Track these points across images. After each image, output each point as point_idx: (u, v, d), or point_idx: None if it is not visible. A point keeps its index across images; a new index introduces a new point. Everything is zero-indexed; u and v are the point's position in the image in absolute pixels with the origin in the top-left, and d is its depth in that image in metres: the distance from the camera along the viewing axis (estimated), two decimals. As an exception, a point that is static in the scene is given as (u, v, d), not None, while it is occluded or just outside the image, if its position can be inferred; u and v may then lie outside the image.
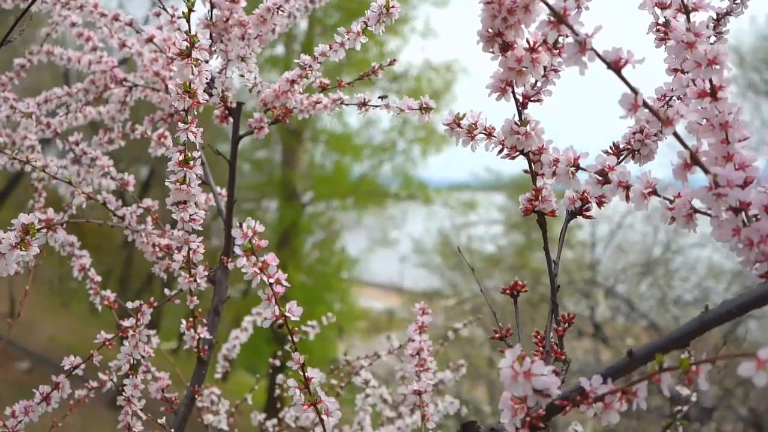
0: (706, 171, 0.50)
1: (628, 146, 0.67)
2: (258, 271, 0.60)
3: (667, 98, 0.67)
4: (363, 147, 12.02)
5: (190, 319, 0.94)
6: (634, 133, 0.67)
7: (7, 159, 0.94)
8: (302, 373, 0.63)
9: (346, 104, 0.95)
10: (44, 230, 0.65)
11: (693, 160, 0.50)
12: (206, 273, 0.89)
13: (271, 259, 0.61)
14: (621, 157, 0.67)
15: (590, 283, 6.06)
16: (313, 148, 12.08)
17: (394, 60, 0.98)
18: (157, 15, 1.13)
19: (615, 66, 0.49)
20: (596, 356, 6.93)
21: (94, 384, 1.10)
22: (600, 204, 0.66)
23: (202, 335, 0.95)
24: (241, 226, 0.60)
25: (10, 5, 1.13)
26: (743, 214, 0.50)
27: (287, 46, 9.99)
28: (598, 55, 0.49)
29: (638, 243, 7.59)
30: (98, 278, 1.08)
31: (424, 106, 0.83)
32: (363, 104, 0.93)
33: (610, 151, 0.67)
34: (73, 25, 1.17)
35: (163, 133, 1.16)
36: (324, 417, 0.63)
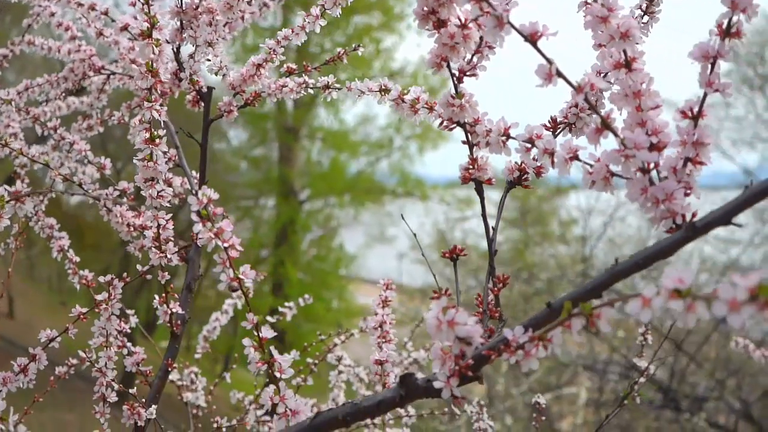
0: (616, 135, 0.54)
1: (565, 120, 0.71)
2: (213, 236, 0.65)
3: (602, 74, 0.71)
4: (360, 144, 12.05)
5: (163, 294, 0.98)
6: (570, 107, 0.71)
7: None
8: (257, 333, 0.68)
9: (311, 88, 0.99)
10: (12, 202, 0.69)
11: (604, 125, 0.55)
12: (176, 249, 0.93)
13: (226, 225, 0.65)
14: (558, 130, 0.71)
15: (582, 275, 6.11)
16: (310, 145, 12.12)
17: (359, 45, 1.02)
18: (133, 5, 1.16)
19: (531, 38, 0.53)
20: (591, 349, 6.99)
21: (74, 361, 1.14)
22: (538, 174, 0.70)
23: (174, 310, 0.99)
24: (196, 194, 0.64)
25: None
26: (651, 174, 0.55)
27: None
28: (515, 29, 0.53)
29: (633, 236, 7.64)
30: (77, 259, 1.12)
31: (383, 88, 0.87)
32: (326, 87, 0.97)
33: (547, 124, 0.71)
34: (53, 15, 1.21)
35: (140, 119, 1.19)
36: (277, 374, 0.67)
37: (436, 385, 0.57)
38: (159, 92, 0.77)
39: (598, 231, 7.44)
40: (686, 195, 0.54)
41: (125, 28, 1.09)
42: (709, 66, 0.54)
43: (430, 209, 11.28)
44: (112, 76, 1.21)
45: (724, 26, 0.54)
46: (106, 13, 1.12)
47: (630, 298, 0.44)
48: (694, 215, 0.53)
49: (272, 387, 0.67)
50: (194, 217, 0.65)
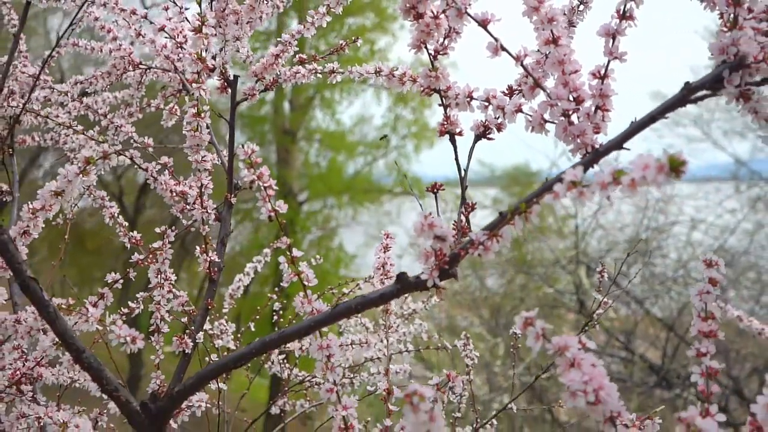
0: (544, 90, 0.76)
1: (519, 87, 0.93)
2: (256, 178, 0.86)
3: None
4: (356, 144, 12.28)
5: (203, 245, 1.20)
6: (522, 78, 0.93)
7: (53, 124, 1.20)
8: (290, 253, 0.89)
9: (320, 73, 1.21)
10: (101, 159, 0.91)
11: (536, 84, 0.76)
12: (215, 206, 1.15)
13: (265, 170, 0.87)
14: (513, 95, 0.93)
15: (576, 262, 6.33)
16: (307, 146, 12.34)
17: (357, 38, 1.24)
18: (166, 9, 1.38)
19: (483, 23, 0.75)
20: (587, 333, 7.22)
21: (125, 310, 1.35)
22: (499, 129, 0.91)
23: (212, 259, 1.21)
24: (243, 146, 0.86)
25: (45, 4, 1.39)
26: (572, 118, 0.77)
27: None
28: (471, 17, 0.75)
29: (628, 225, 7.89)
30: (125, 224, 1.34)
31: (377, 70, 1.08)
32: (332, 71, 1.19)
33: (505, 91, 0.93)
34: (96, 19, 1.42)
35: (173, 106, 1.41)
36: (306, 283, 0.89)
37: (423, 277, 0.79)
38: (205, 75, 0.99)
39: (592, 221, 7.68)
40: (596, 133, 0.76)
41: (162, 29, 1.31)
42: (611, 40, 0.76)
43: (428, 207, 11.44)
44: (148, 71, 1.43)
45: (621, 11, 0.76)
46: (145, 17, 1.34)
47: (545, 193, 0.66)
48: (601, 145, 0.75)
49: (301, 293, 0.89)
50: (241, 164, 0.86)
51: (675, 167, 0.52)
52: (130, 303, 1.33)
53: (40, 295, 0.79)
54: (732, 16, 0.68)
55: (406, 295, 1.76)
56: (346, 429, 0.87)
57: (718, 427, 0.61)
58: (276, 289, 1.80)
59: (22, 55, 1.59)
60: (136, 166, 1.24)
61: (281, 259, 0.89)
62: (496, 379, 6.18)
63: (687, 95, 0.69)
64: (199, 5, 0.96)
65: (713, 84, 0.68)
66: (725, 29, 0.68)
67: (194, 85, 0.98)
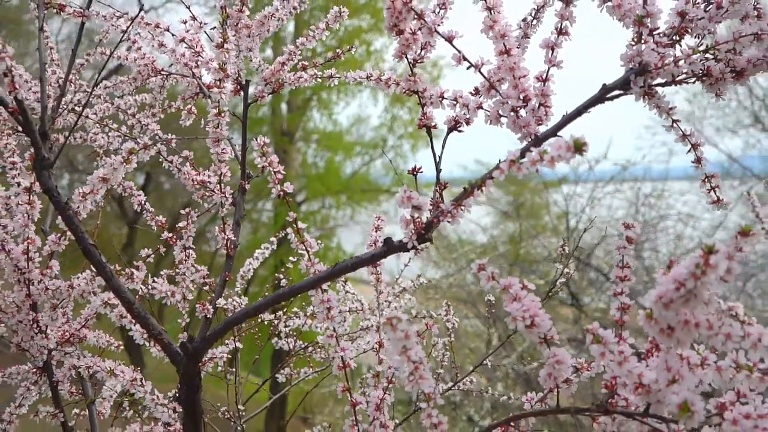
0: (497, 91, 0.96)
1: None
2: (267, 164, 1.07)
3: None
4: (354, 144, 12.47)
5: (221, 225, 1.40)
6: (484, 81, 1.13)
7: (92, 123, 1.40)
8: (296, 225, 1.10)
9: (319, 78, 1.41)
10: (142, 150, 1.11)
11: (491, 86, 0.97)
12: (232, 191, 1.36)
13: (275, 157, 1.08)
14: (480, 95, 1.13)
15: (565, 255, 6.53)
16: (305, 147, 12.53)
17: (352, 46, 1.45)
18: (184, 22, 1.58)
19: (449, 39, 0.96)
20: (579, 325, 7.43)
21: (166, 271, 1.55)
22: (468, 123, 1.12)
23: (230, 237, 1.41)
24: (256, 138, 1.06)
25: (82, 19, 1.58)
26: (520, 113, 0.97)
27: (275, 48, 10.50)
28: (439, 34, 0.96)
29: (622, 219, 8.12)
30: (152, 210, 1.54)
31: (368, 75, 1.29)
32: (331, 76, 1.39)
33: (472, 92, 1.13)
34: (123, 32, 1.62)
35: (191, 107, 1.61)
36: (309, 249, 1.09)
37: (404, 240, 0.99)
38: (225, 81, 1.19)
39: (585, 217, 7.90)
40: (539, 124, 0.96)
41: (182, 39, 1.51)
42: (550, 50, 0.97)
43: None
44: (169, 77, 1.63)
45: (558, 28, 0.97)
46: (167, 29, 1.54)
47: (495, 171, 0.86)
48: (540, 134, 0.95)
49: (306, 257, 1.10)
50: (255, 153, 1.07)
51: (578, 147, 0.73)
52: (155, 278, 1.53)
53: (99, 257, 1.00)
54: (637, 32, 0.89)
55: (398, 276, 1.96)
56: (343, 367, 1.08)
57: (631, 351, 0.81)
58: (282, 270, 2.01)
59: (54, 63, 1.79)
60: (161, 159, 1.44)
61: (289, 230, 1.09)
62: (489, 367, 6.39)
63: (604, 94, 0.89)
64: (222, 24, 1.16)
65: (623, 85, 0.88)
66: (632, 43, 0.89)
67: (215, 89, 1.18)
